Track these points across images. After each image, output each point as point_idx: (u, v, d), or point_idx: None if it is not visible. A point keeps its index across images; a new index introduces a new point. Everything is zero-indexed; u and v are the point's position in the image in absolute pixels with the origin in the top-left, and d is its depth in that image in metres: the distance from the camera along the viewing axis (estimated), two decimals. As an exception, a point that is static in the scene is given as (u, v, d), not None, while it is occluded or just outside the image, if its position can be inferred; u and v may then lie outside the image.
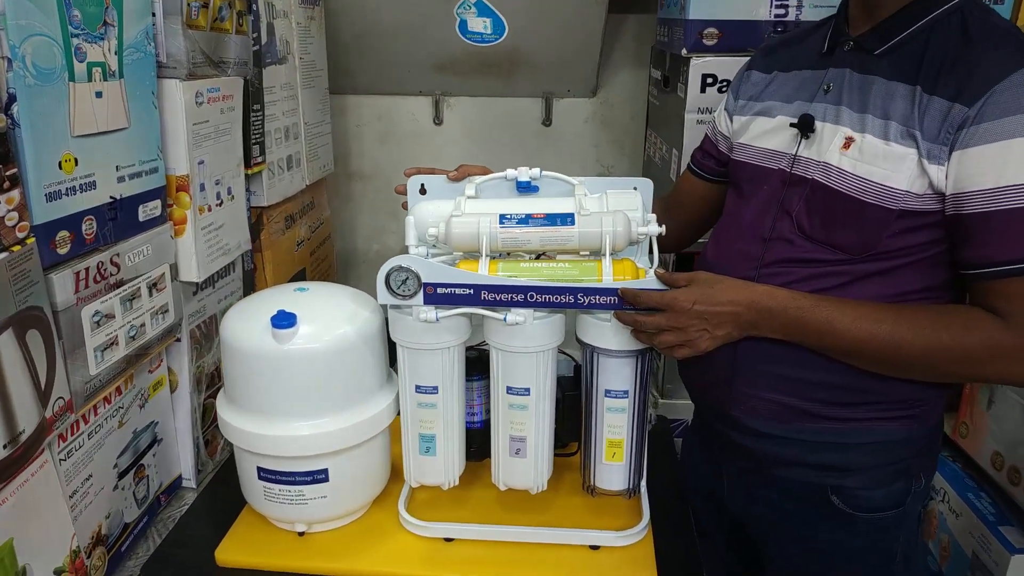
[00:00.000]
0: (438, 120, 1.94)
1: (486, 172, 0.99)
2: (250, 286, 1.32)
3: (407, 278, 0.88)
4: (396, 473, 1.08)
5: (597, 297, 0.86)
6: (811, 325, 0.82)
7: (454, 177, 0.98)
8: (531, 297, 0.87)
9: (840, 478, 0.91)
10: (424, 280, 0.88)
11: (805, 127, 0.88)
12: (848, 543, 0.93)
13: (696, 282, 0.83)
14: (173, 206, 1.03)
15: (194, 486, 1.17)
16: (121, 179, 0.91)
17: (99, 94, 0.86)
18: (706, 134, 1.11)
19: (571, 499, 1.07)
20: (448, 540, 1.00)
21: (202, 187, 1.07)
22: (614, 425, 0.94)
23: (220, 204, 1.12)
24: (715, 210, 1.08)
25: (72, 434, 0.89)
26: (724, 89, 1.30)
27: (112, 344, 0.91)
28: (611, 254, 0.88)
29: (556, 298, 0.87)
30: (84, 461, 0.91)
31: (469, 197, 0.95)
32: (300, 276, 1.53)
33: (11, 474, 0.77)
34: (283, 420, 0.93)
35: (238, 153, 1.18)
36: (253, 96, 1.21)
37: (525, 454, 0.97)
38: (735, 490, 1.02)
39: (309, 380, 0.92)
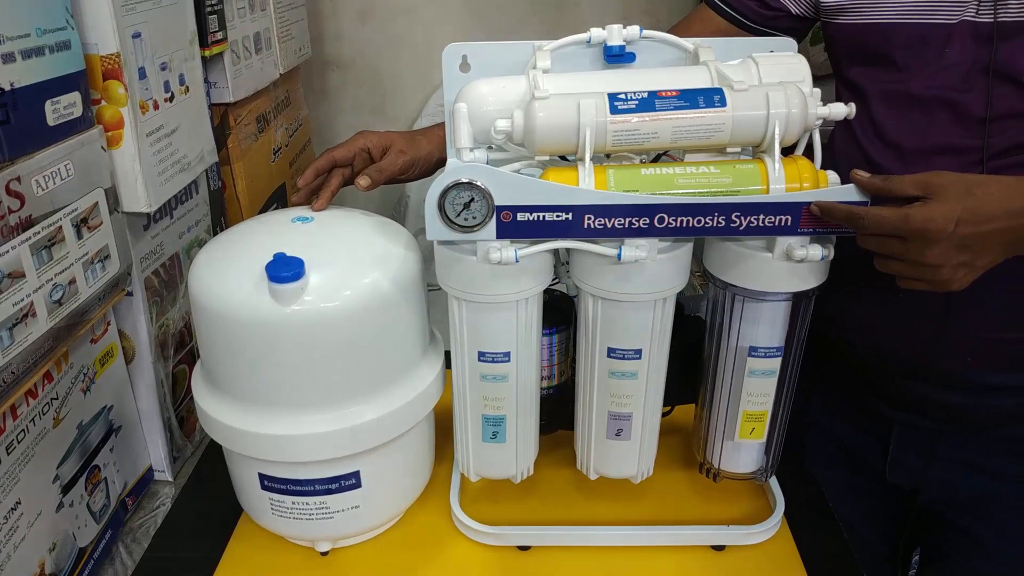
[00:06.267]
0: (432, -10, 1.57)
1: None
2: (219, 212, 1.00)
3: (472, 200, 0.58)
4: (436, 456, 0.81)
5: (764, 217, 0.57)
6: None
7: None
8: (660, 221, 0.58)
9: None
10: (498, 202, 0.58)
11: None
12: None
13: (941, 190, 0.54)
14: (101, 102, 0.71)
15: (170, 478, 0.90)
16: (8, 58, 0.58)
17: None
18: None
19: (667, 476, 0.82)
20: (524, 548, 0.74)
21: (142, 73, 0.73)
22: (757, 393, 0.68)
23: (170, 99, 0.79)
24: None
25: (-22, 454, 0.60)
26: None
27: (26, 316, 0.61)
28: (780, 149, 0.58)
29: (700, 221, 0.58)
30: (6, 485, 0.62)
31: (545, 71, 0.64)
32: (280, 195, 1.21)
33: None
34: (294, 412, 0.64)
35: (189, 25, 0.84)
36: (203, -57, 0.86)
37: (629, 435, 0.71)
38: (915, 461, 0.79)
39: (328, 355, 0.63)
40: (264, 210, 1.13)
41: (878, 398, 0.78)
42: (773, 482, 0.78)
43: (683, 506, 0.79)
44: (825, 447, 0.86)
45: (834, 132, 0.76)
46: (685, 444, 0.84)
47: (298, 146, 1.32)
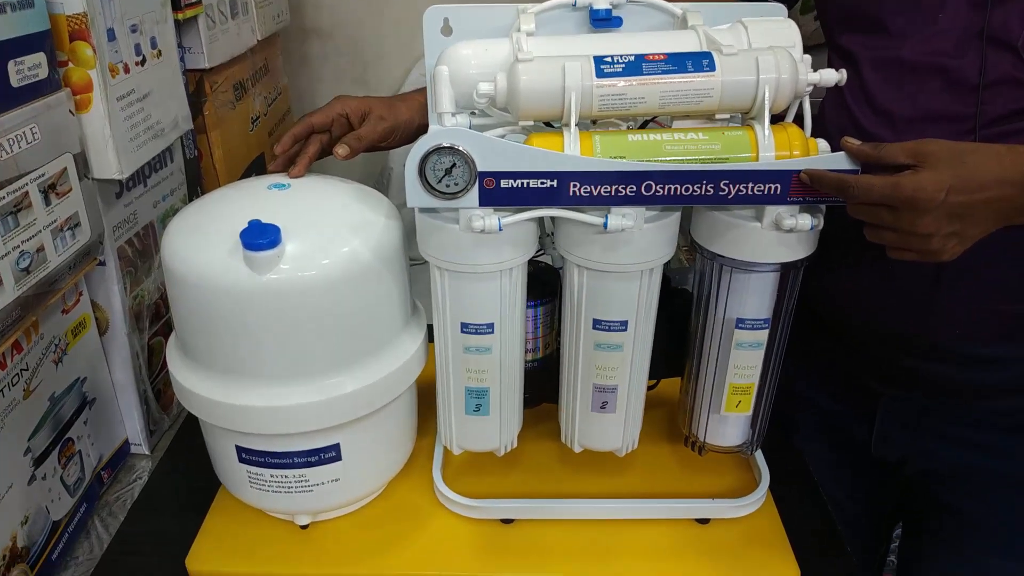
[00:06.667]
0: (416, -45, 1.53)
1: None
2: (195, 180, 0.97)
3: (454, 165, 0.56)
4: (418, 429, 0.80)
5: (754, 185, 0.56)
6: None
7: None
8: (648, 189, 0.56)
9: None
10: (481, 168, 0.56)
11: None
12: None
13: (932, 158, 0.52)
14: (68, 64, 0.68)
15: (146, 452, 0.88)
16: (-32, 15, 0.56)
17: None
18: None
19: (652, 449, 0.81)
20: (507, 521, 0.74)
21: (111, 35, 0.71)
22: (744, 366, 0.67)
23: (142, 62, 0.76)
24: None
25: (-58, 427, 0.58)
26: None
27: (-9, 284, 0.59)
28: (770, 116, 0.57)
29: (688, 189, 0.56)
30: (-29, 460, 0.61)
31: (528, 34, 0.62)
32: (259, 165, 1.19)
33: None
34: (271, 383, 0.62)
35: (161, -13, 0.81)
36: (175, -100, 0.83)
37: (614, 408, 0.70)
38: (900, 434, 0.79)
39: (306, 325, 0.61)
40: (243, 180, 1.10)
41: (866, 371, 0.78)
42: (758, 456, 0.77)
43: (668, 479, 0.78)
44: (811, 420, 0.86)
45: (824, 100, 0.75)
46: (670, 418, 0.84)
47: (277, 116, 1.29)
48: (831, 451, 0.85)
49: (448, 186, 0.56)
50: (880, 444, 0.80)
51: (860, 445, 0.82)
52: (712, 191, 0.56)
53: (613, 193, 0.56)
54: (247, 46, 1.08)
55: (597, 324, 0.65)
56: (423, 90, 0.75)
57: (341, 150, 0.71)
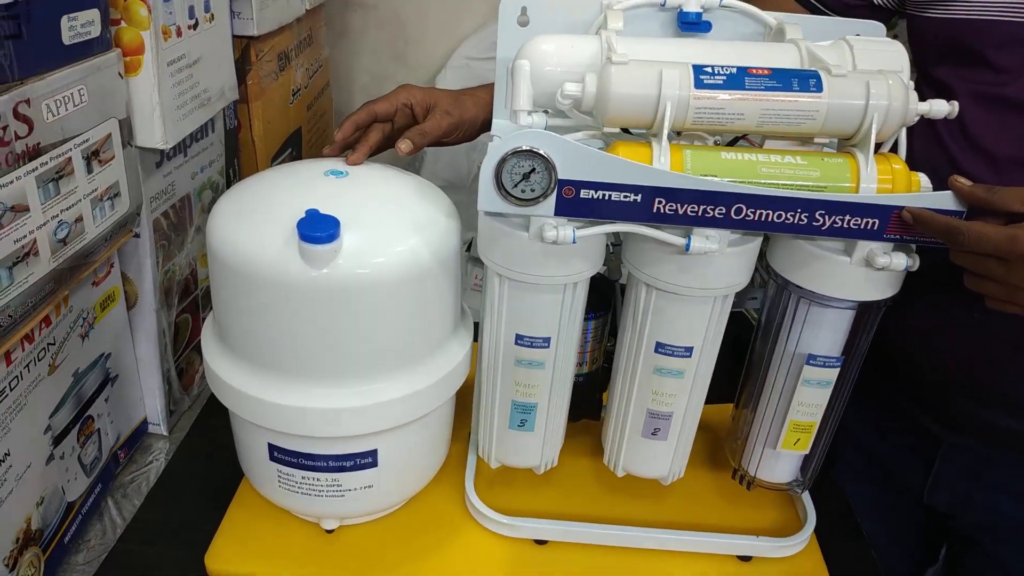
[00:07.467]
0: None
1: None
2: (233, 153, 0.93)
3: (533, 170, 0.52)
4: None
5: (851, 219, 0.52)
6: None
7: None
8: (738, 212, 0.52)
9: None
10: (561, 176, 0.52)
11: None
12: None
13: None
14: (121, 23, 0.64)
15: (164, 432, 0.85)
16: (25, -35, 0.52)
17: None
18: None
19: (693, 477, 0.77)
20: (540, 542, 0.70)
21: (167, -4, 0.67)
22: (809, 404, 0.63)
23: (195, 26, 0.72)
24: None
25: (-34, 403, 0.54)
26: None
27: (27, 255, 0.55)
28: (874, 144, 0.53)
29: (780, 216, 0.52)
30: (-7, 438, 0.57)
31: (618, 33, 0.58)
32: (295, 141, 1.14)
33: None
34: (313, 383, 0.59)
35: (218, -52, 0.77)
36: None
37: (666, 435, 0.67)
38: (958, 483, 0.75)
39: (356, 325, 0.57)
40: (278, 155, 1.07)
41: (929, 416, 0.74)
42: (805, 495, 0.74)
43: (707, 510, 0.75)
44: (857, 461, 0.82)
45: (913, 130, 0.71)
46: (713, 444, 0.80)
47: (316, 89, 1.25)
48: (876, 491, 0.81)
49: (524, 192, 0.53)
50: (934, 491, 0.76)
51: (910, 489, 0.78)
52: (806, 221, 0.52)
53: (700, 213, 0.52)
54: (296, 15, 1.04)
55: (660, 348, 0.61)
56: (489, 87, 0.71)
57: (404, 145, 0.67)
